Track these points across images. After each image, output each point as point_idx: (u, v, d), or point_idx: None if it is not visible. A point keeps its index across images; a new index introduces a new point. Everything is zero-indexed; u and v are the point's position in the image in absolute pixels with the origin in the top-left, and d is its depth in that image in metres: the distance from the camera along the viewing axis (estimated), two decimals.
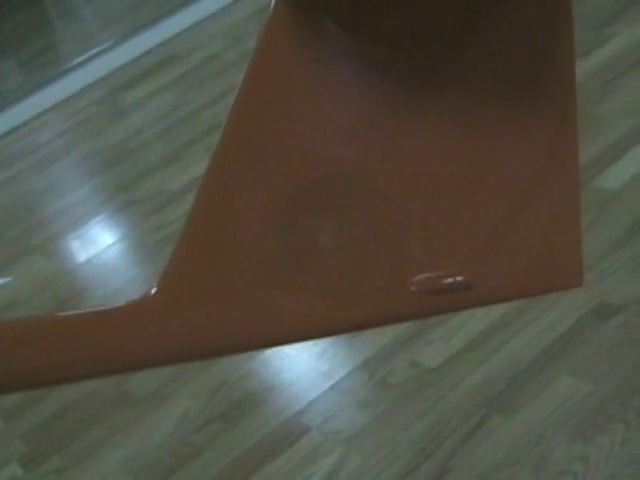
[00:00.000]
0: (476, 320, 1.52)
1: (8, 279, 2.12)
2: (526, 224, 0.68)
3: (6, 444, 1.65)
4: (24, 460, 1.60)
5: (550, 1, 0.64)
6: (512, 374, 1.41)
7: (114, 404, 1.65)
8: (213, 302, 0.66)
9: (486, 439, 1.33)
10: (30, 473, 1.56)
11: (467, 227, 0.67)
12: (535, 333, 1.46)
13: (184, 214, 0.65)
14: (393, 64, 0.65)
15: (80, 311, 0.63)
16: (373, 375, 1.50)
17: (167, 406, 1.61)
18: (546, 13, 0.64)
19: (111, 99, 2.79)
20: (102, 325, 0.65)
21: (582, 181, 1.62)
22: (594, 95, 1.94)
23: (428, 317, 0.71)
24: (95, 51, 2.98)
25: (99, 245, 2.14)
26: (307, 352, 1.60)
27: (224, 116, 0.65)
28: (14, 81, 3.18)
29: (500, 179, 0.67)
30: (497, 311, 1.52)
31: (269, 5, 0.63)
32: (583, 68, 2.02)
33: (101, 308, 0.64)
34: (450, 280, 0.67)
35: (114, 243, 2.13)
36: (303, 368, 1.58)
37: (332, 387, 1.51)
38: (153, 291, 0.65)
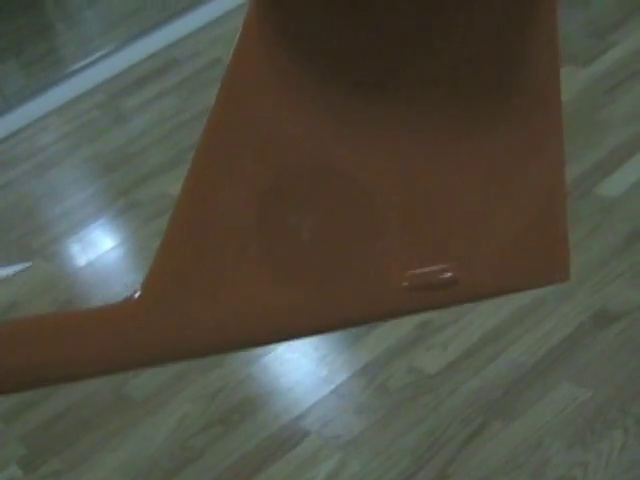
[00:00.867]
0: (475, 326, 1.52)
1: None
2: (511, 219, 0.68)
3: (5, 446, 1.64)
4: (23, 462, 1.60)
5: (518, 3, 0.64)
6: (511, 380, 1.41)
7: (113, 407, 1.65)
8: (197, 302, 0.67)
9: (485, 445, 1.33)
10: (29, 475, 1.56)
11: (451, 223, 0.68)
12: (535, 339, 1.46)
13: None
14: (362, 63, 0.65)
15: (64, 311, 0.64)
16: (372, 380, 1.51)
17: (166, 410, 1.61)
18: (516, 15, 0.64)
19: (112, 103, 2.79)
20: (84, 326, 0.66)
21: (583, 188, 1.64)
22: (596, 102, 1.94)
23: (414, 313, 0.71)
24: (97, 55, 2.98)
25: (99, 249, 2.14)
26: (307, 357, 1.60)
27: None
28: (15, 84, 3.18)
29: (483, 175, 0.67)
30: (496, 318, 1.52)
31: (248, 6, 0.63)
32: (585, 75, 2.03)
33: (86, 309, 0.65)
34: (436, 276, 0.68)
35: (115, 247, 2.13)
36: (303, 373, 1.58)
37: (332, 392, 1.51)
38: (137, 294, 0.66)
